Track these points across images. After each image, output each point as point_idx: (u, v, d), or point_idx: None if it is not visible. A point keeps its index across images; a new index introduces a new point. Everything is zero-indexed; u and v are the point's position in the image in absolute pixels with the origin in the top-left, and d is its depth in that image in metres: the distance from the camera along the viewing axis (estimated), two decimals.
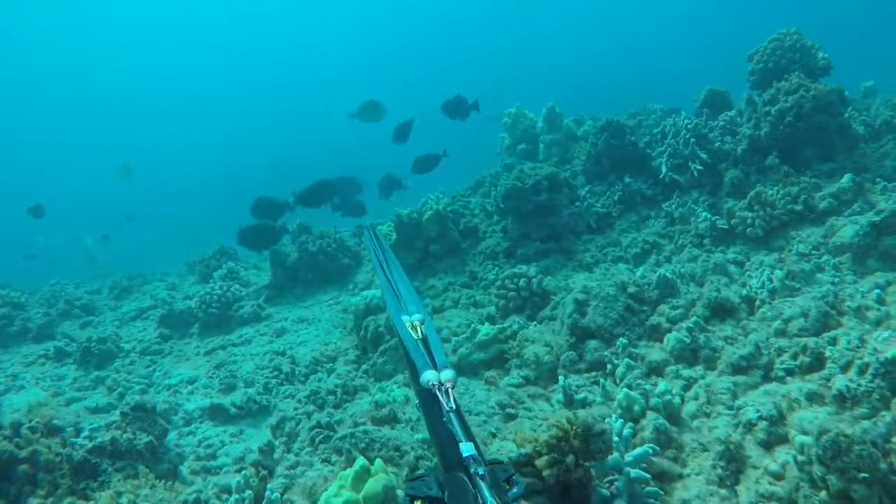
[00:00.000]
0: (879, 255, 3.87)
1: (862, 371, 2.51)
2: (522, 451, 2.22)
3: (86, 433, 3.63)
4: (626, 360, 3.42)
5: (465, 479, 1.35)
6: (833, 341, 2.98)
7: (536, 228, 5.81)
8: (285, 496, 2.98)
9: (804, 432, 2.40)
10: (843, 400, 2.49)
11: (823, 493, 2.06)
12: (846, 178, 4.64)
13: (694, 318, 3.55)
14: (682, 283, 4.10)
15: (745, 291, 3.84)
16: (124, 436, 3.47)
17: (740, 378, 3.06)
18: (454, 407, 1.57)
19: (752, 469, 2.45)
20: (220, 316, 6.36)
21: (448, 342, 4.39)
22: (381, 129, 7.22)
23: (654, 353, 3.49)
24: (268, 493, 2.79)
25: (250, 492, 2.82)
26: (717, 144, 5.75)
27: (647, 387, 3.01)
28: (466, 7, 37.05)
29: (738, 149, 5.53)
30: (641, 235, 5.52)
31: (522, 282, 4.73)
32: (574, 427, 2.23)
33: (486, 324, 4.45)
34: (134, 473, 3.27)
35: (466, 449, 1.40)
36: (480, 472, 1.33)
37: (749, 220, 4.71)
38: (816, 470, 1.98)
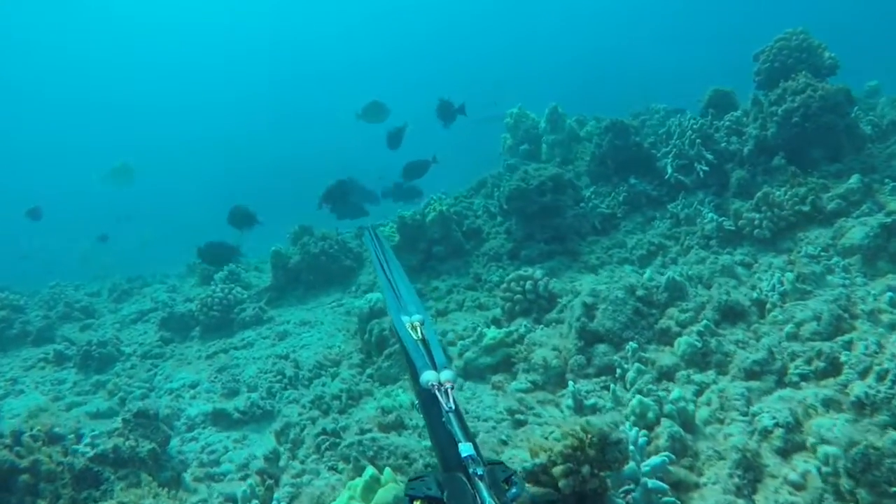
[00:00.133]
0: (890, 258, 3.82)
1: (881, 377, 2.47)
2: (537, 461, 2.17)
3: (87, 440, 3.56)
4: (637, 364, 3.37)
5: (464, 479, 1.35)
6: (848, 346, 2.93)
7: (541, 230, 5.75)
8: None
9: (824, 440, 2.35)
10: (862, 407, 2.44)
11: None
12: (854, 178, 4.59)
13: (704, 322, 3.50)
14: (691, 285, 4.06)
15: (755, 294, 3.79)
16: (127, 443, 3.41)
17: (754, 383, 3.01)
18: (454, 407, 1.56)
19: (770, 478, 2.40)
20: (221, 319, 6.30)
21: (454, 346, 4.33)
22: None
23: (665, 357, 3.44)
24: (274, 502, 2.74)
25: (257, 501, 2.78)
26: (723, 145, 5.70)
27: (661, 393, 2.96)
28: (467, 6, 36.96)
29: (745, 149, 5.49)
30: (647, 237, 5.47)
31: (529, 284, 4.65)
32: (590, 436, 2.18)
33: (493, 327, 4.38)
34: (137, 482, 3.21)
35: (465, 449, 1.40)
36: (479, 472, 1.33)
37: (756, 222, 4.67)
38: (845, 483, 1.94)
